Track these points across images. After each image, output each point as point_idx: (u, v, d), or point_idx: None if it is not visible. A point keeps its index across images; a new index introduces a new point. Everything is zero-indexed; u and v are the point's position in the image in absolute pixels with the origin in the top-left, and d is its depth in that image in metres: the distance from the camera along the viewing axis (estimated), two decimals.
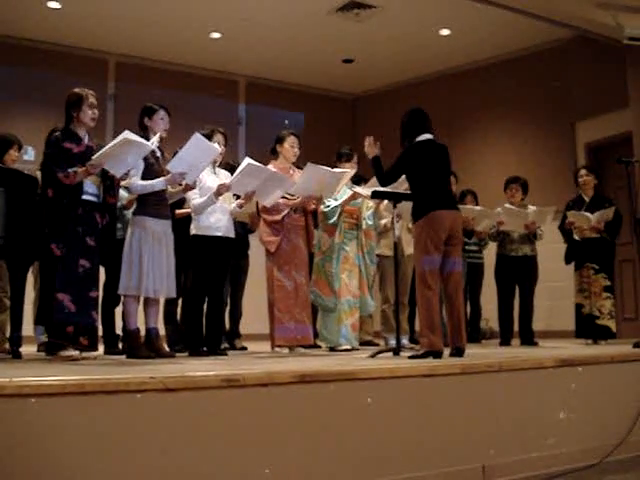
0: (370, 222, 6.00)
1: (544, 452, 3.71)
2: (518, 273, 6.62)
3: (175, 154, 4.69)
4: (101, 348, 5.08)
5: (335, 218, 5.71)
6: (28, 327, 5.47)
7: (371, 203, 5.97)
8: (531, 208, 6.59)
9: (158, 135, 4.72)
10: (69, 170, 4.37)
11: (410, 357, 4.28)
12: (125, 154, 4.40)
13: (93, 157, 4.39)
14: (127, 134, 4.32)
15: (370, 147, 4.84)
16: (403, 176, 4.76)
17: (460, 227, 4.61)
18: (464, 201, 7.22)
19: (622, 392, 4.19)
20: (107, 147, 4.38)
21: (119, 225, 5.24)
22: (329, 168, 5.42)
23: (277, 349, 5.34)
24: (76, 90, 4.62)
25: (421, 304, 4.43)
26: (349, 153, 5.89)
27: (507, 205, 6.58)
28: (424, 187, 4.55)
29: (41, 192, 4.58)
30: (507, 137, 9.66)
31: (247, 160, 4.92)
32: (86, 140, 4.60)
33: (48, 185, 4.44)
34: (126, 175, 4.71)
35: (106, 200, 4.65)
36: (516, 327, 6.65)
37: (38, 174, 4.90)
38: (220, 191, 4.93)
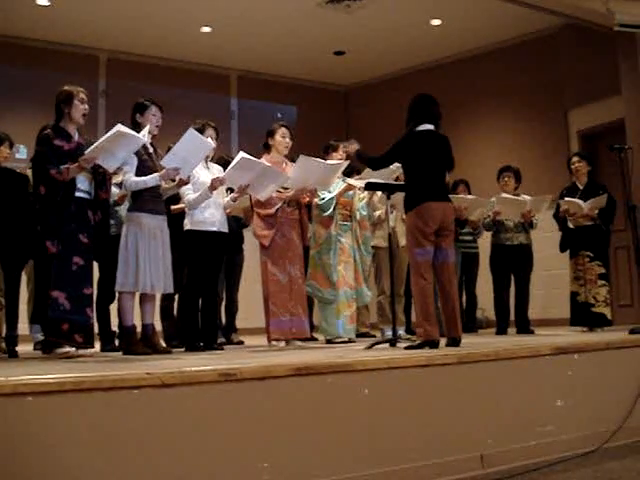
0: (364, 212, 6.01)
1: (542, 440, 3.72)
2: (513, 262, 6.61)
3: (169, 149, 4.68)
4: (97, 345, 5.07)
5: (331, 210, 5.71)
6: (24, 326, 5.46)
7: (364, 194, 5.97)
8: (525, 197, 6.59)
9: (147, 127, 4.70)
10: (62, 167, 4.36)
11: (407, 348, 4.29)
12: (118, 148, 4.38)
13: (86, 151, 4.38)
14: (119, 127, 4.31)
15: (348, 147, 4.88)
16: (394, 166, 4.77)
17: (451, 218, 4.59)
18: (456, 190, 7.22)
19: (619, 378, 4.20)
20: (100, 141, 4.36)
21: (112, 222, 5.23)
22: (322, 160, 5.42)
23: (274, 342, 5.34)
24: (66, 87, 4.62)
25: (416, 295, 4.44)
26: (333, 144, 5.88)
27: (503, 195, 6.57)
28: (415, 178, 4.55)
29: (33, 190, 4.56)
30: (499, 126, 9.66)
31: (241, 154, 4.92)
32: (76, 137, 4.59)
33: (40, 182, 4.42)
34: (119, 169, 4.70)
35: (98, 196, 4.64)
36: (512, 316, 6.66)
37: (29, 172, 4.88)
38: (214, 185, 4.93)
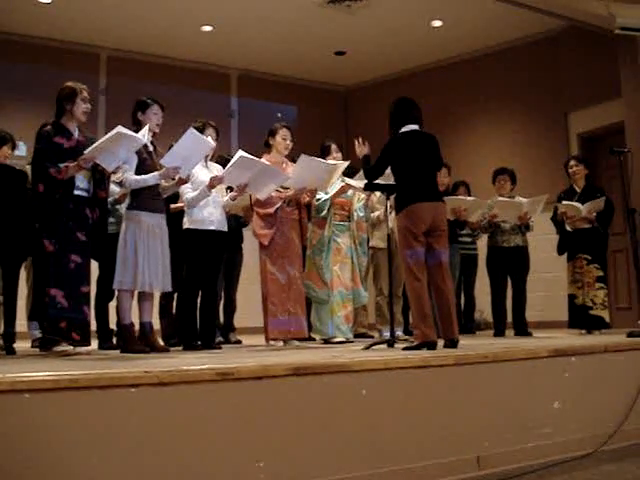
0: (361, 214, 6.01)
1: (539, 442, 3.72)
2: (510, 264, 6.61)
3: (170, 148, 4.69)
4: (95, 343, 5.07)
5: (325, 211, 5.71)
6: (22, 323, 5.45)
7: (362, 195, 5.97)
8: (520, 199, 6.59)
9: (147, 127, 4.70)
10: (61, 165, 4.36)
11: (404, 349, 4.29)
12: (117, 148, 4.39)
13: (85, 151, 4.38)
14: (120, 129, 4.31)
15: (360, 147, 4.93)
16: (388, 170, 4.78)
17: (443, 218, 4.57)
18: (457, 192, 7.21)
19: (616, 381, 4.20)
20: (100, 141, 4.36)
21: (112, 220, 5.22)
22: (323, 160, 5.43)
23: (272, 342, 5.34)
24: (69, 84, 4.63)
25: (411, 296, 4.44)
26: (327, 145, 5.89)
27: (499, 198, 6.57)
28: (404, 179, 4.56)
29: (32, 187, 4.56)
30: (500, 128, 9.66)
31: (240, 152, 4.92)
32: (76, 134, 4.60)
33: (39, 180, 4.42)
34: (118, 169, 4.70)
35: (97, 194, 4.65)
36: (510, 318, 6.66)
37: (27, 168, 4.88)
38: (213, 183, 4.93)
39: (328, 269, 5.65)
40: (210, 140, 4.92)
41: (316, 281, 5.66)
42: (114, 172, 4.79)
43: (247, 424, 2.90)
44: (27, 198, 4.63)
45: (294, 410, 3.04)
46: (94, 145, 4.38)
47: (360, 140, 4.95)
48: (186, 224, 5.08)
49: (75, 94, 4.57)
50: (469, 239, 7.36)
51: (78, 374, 2.67)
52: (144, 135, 4.59)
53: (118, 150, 4.40)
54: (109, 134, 4.32)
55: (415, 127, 4.60)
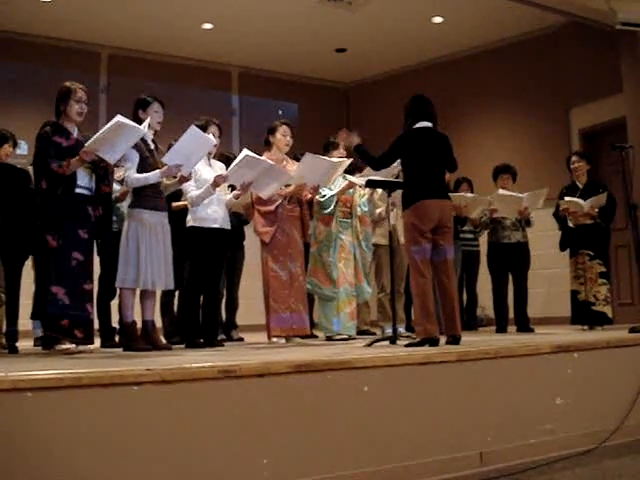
0: (365, 209, 6.00)
1: (541, 438, 3.72)
2: (511, 260, 6.61)
3: (170, 146, 4.68)
4: (97, 342, 5.07)
5: (332, 207, 5.71)
6: (26, 322, 5.46)
7: (364, 190, 5.97)
8: (520, 194, 6.59)
9: (148, 120, 4.68)
10: (62, 161, 4.35)
11: (406, 345, 4.29)
12: (118, 139, 4.36)
13: (86, 144, 4.37)
14: (119, 118, 4.29)
15: (348, 139, 4.86)
16: (395, 163, 4.78)
17: (449, 216, 4.59)
18: (459, 189, 7.21)
19: (618, 377, 4.20)
20: (100, 132, 4.35)
21: (113, 218, 5.22)
22: (327, 157, 5.43)
23: (274, 339, 5.35)
24: (66, 84, 4.61)
25: (415, 293, 4.44)
26: (334, 142, 5.88)
27: (501, 191, 6.56)
28: (413, 175, 4.56)
29: (34, 185, 4.56)
30: (501, 124, 9.64)
31: (245, 151, 4.91)
32: (75, 134, 4.58)
33: (42, 176, 4.42)
34: (120, 162, 4.70)
35: (100, 190, 4.64)
36: (512, 314, 6.66)
37: (29, 168, 4.88)
38: (217, 182, 4.93)
39: (335, 266, 5.65)
40: (211, 137, 4.91)
41: (322, 278, 5.65)
42: (117, 166, 4.78)
43: (250, 421, 2.90)
44: (29, 197, 4.64)
45: (297, 407, 3.04)
46: (95, 136, 4.35)
47: (344, 133, 4.92)
48: (190, 222, 5.08)
49: (69, 95, 4.54)
50: (471, 235, 7.36)
51: (80, 372, 2.67)
52: (145, 127, 4.57)
53: (119, 141, 4.37)
54: (109, 124, 4.30)
55: (428, 124, 4.61)
